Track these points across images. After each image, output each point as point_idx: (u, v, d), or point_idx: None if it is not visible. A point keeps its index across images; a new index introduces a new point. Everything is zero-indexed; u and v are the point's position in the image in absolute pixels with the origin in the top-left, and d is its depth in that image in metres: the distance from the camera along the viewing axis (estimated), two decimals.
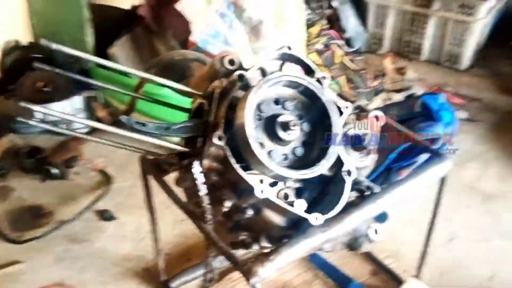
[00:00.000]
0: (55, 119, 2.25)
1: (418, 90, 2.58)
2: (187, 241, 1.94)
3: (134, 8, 2.64)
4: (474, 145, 2.39)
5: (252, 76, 1.16)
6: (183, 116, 1.29)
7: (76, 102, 2.48)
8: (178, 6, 2.09)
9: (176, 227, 2.00)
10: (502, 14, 3.17)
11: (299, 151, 1.15)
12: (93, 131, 2.38)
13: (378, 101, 2.48)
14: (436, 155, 1.37)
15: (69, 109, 2.43)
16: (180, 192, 1.31)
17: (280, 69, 1.20)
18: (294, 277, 1.75)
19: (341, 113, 1.20)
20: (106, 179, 2.25)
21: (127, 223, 2.03)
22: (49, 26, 2.63)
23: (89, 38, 2.49)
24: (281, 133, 1.10)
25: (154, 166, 1.35)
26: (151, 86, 2.22)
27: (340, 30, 2.93)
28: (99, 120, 2.38)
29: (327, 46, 2.72)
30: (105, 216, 2.05)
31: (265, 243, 1.21)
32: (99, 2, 2.70)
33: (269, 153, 1.11)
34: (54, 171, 2.19)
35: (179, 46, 2.56)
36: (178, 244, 1.93)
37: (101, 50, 2.50)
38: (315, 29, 2.72)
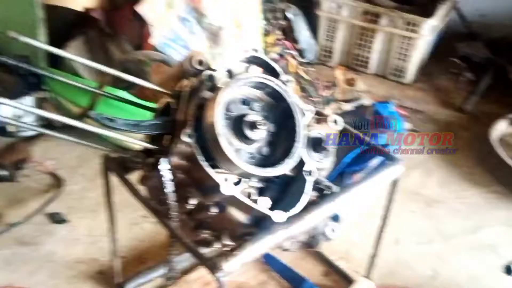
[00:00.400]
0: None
1: (366, 101, 2.69)
2: (141, 244, 1.93)
3: (87, 10, 2.60)
4: (417, 155, 2.52)
5: (220, 77, 1.20)
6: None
7: (26, 103, 2.40)
8: (139, 9, 2.09)
9: (131, 230, 1.98)
10: (443, 33, 3.39)
11: (265, 151, 1.19)
12: (40, 134, 2.34)
13: (329, 110, 2.57)
14: (389, 159, 1.45)
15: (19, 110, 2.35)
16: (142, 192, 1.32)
17: (247, 71, 1.24)
18: (249, 278, 1.79)
19: (303, 115, 1.25)
20: (56, 182, 2.19)
21: (79, 226, 1.99)
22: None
23: (42, 38, 2.43)
24: (248, 132, 1.14)
25: (117, 164, 1.35)
26: (108, 88, 2.20)
27: (294, 41, 3.02)
28: (50, 122, 2.32)
29: (281, 56, 2.79)
30: (56, 219, 2.00)
31: (227, 241, 1.24)
32: (51, 3, 2.64)
33: (236, 151, 1.15)
34: (3, 173, 2.11)
35: (133, 50, 2.55)
36: (132, 247, 1.91)
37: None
38: (270, 39, 2.79)
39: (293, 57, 2.86)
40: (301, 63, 2.90)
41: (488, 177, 2.40)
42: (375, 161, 1.80)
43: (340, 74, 2.74)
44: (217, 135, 1.08)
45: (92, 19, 2.58)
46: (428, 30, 3.00)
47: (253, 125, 1.14)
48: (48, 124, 2.37)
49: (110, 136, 1.16)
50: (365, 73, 3.27)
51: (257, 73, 1.19)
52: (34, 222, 1.98)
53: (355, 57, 3.29)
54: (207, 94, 1.17)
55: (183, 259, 1.68)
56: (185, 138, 1.10)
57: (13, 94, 2.37)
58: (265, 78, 1.18)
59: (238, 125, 1.15)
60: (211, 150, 1.11)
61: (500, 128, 2.65)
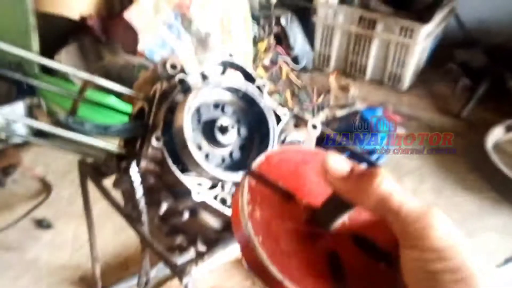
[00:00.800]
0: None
1: (360, 107, 2.68)
2: (126, 251, 1.92)
3: (83, 18, 2.62)
4: (410, 161, 2.49)
5: (193, 81, 1.19)
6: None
7: (18, 108, 2.42)
8: (126, 15, 2.10)
9: (116, 236, 1.97)
10: (439, 39, 3.37)
11: (236, 155, 1.18)
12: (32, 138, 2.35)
13: (322, 116, 2.55)
14: (370, 164, 1.43)
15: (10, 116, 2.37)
16: (119, 197, 1.31)
17: (222, 75, 1.23)
18: (234, 285, 1.76)
19: (279, 120, 1.24)
20: (45, 188, 2.19)
21: (65, 232, 1.99)
22: None
23: (35, 45, 2.45)
24: (219, 136, 1.13)
25: (93, 170, 1.34)
26: (97, 94, 2.21)
27: (289, 48, 3.02)
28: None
29: (274, 62, 2.79)
30: (42, 224, 1.99)
31: (201, 247, 1.23)
32: (47, 11, 2.66)
33: (207, 155, 1.14)
34: None
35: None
36: (117, 253, 1.90)
37: (48, 58, 2.45)
38: (263, 45, 2.79)
39: (286, 63, 2.85)
40: (294, 70, 2.89)
41: (482, 183, 2.37)
42: (363, 166, 1.78)
43: (333, 81, 2.72)
44: (186, 139, 1.06)
45: (87, 26, 2.60)
46: (424, 36, 2.98)
47: (224, 129, 1.13)
48: (38, 130, 2.38)
49: (83, 141, 1.16)
50: (362, 80, 3.25)
51: (228, 77, 1.18)
52: (20, 228, 1.98)
53: (352, 64, 3.28)
54: (179, 98, 1.16)
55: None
56: (154, 142, 1.08)
57: (5, 99, 2.39)
58: (236, 83, 1.17)
59: (209, 129, 1.14)
60: (180, 154, 1.10)
61: (496, 135, 2.62)
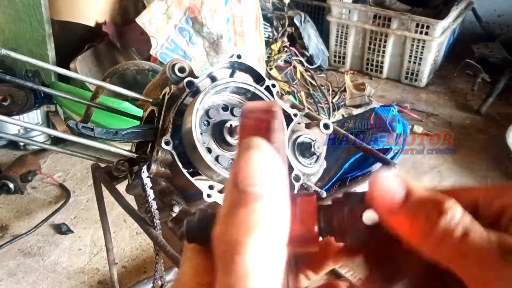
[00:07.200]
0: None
1: (376, 105, 2.64)
2: (143, 254, 1.93)
3: (99, 25, 2.65)
4: (429, 158, 2.45)
5: (202, 83, 1.18)
6: None
7: (36, 116, 2.45)
8: (139, 21, 2.11)
9: (133, 240, 1.98)
10: (457, 34, 3.31)
11: None
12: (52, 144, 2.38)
13: (337, 116, 2.53)
14: (383, 163, 1.41)
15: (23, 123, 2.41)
16: (133, 201, 1.32)
17: (231, 77, 1.23)
18: None
19: (290, 120, 1.22)
20: (64, 193, 2.22)
21: (83, 237, 2.01)
22: (10, 42, 2.62)
23: (51, 53, 2.48)
24: (228, 138, 1.12)
25: (105, 174, 1.35)
26: (112, 100, 2.23)
27: (303, 48, 3.00)
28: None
29: (288, 63, 2.77)
30: (61, 229, 2.02)
31: None
32: (64, 19, 2.70)
33: (217, 158, 1.13)
34: (10, 185, 2.15)
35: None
36: (134, 257, 1.91)
37: (64, 65, 2.49)
38: (276, 46, 2.78)
39: (301, 63, 2.83)
40: (309, 69, 2.88)
41: (504, 181, 2.31)
42: (378, 165, 1.75)
43: (349, 79, 2.70)
44: (195, 142, 1.06)
45: (103, 33, 2.63)
46: (440, 31, 2.93)
47: (233, 131, 1.12)
48: (55, 137, 2.41)
49: (95, 146, 1.17)
50: (379, 78, 3.22)
51: (236, 79, 1.17)
52: (40, 233, 2.01)
53: (367, 62, 3.24)
54: (187, 101, 1.16)
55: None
56: (163, 145, 1.09)
57: (23, 107, 2.42)
58: (245, 83, 1.16)
59: (219, 131, 1.14)
60: (190, 157, 1.10)
61: None
